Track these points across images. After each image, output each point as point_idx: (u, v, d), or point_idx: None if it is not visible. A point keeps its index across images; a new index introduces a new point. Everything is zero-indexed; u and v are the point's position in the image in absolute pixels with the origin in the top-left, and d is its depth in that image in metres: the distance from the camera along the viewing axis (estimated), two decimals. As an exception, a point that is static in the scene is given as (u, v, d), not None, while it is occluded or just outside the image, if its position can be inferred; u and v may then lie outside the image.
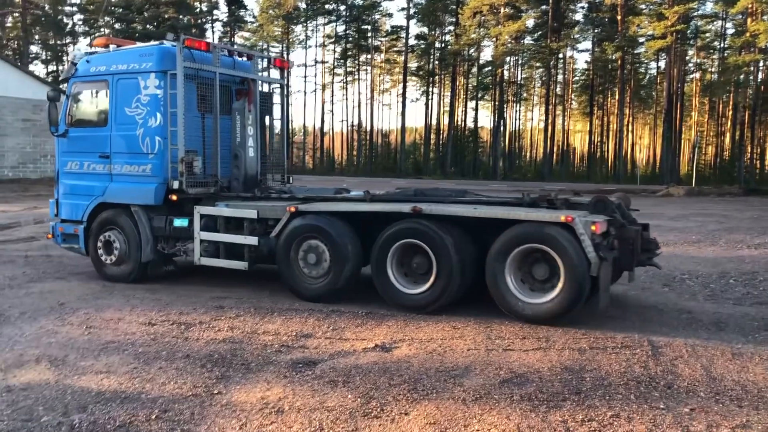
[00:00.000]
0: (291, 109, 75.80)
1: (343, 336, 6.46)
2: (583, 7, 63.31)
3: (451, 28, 67.09)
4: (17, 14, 65.15)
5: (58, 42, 74.51)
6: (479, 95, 71.00)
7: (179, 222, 8.80)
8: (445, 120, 70.29)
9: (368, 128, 72.74)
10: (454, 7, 64.31)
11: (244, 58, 9.97)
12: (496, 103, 64.30)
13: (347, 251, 7.66)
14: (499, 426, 4.32)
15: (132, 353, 5.87)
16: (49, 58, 75.02)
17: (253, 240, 8.21)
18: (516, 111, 76.82)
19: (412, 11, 66.92)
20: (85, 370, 5.41)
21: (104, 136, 9.19)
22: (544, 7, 59.93)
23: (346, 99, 79.70)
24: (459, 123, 70.70)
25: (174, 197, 8.72)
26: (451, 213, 7.25)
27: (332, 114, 79.17)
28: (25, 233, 14.06)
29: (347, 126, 77.83)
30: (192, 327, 6.74)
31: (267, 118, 10.28)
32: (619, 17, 53.16)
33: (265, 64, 11.01)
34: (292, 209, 7.96)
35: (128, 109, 8.94)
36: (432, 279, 7.21)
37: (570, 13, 63.42)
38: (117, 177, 9.14)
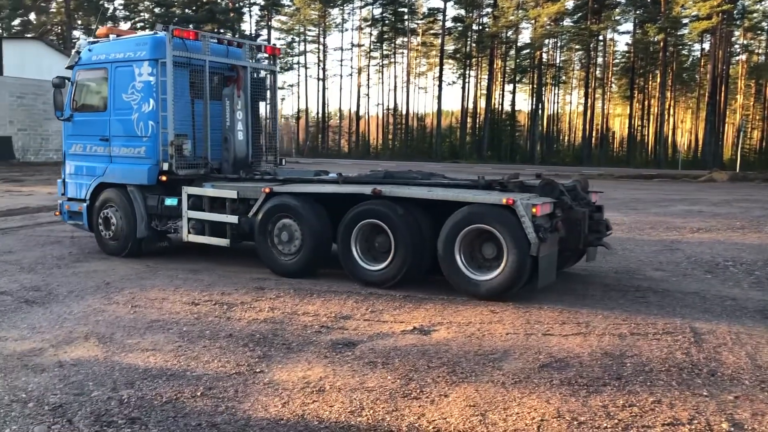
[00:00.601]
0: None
1: (382, 318, 6.52)
2: (624, -12, 61.92)
3: (489, 10, 66.28)
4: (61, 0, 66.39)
5: (99, 26, 75.67)
6: (517, 78, 70.17)
7: (170, 201, 9.35)
8: (482, 103, 69.71)
9: (404, 112, 72.55)
10: (493, -12, 63.49)
11: (237, 46, 10.31)
12: (534, 86, 63.55)
13: (316, 230, 8.14)
14: (538, 409, 4.33)
15: (177, 332, 6.01)
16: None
17: (234, 219, 8.74)
18: (554, 94, 75.81)
19: (449, -7, 66.25)
20: (131, 348, 5.57)
21: (104, 121, 9.77)
22: (584, -13, 58.80)
23: (382, 82, 79.45)
24: (496, 106, 70.06)
25: (164, 178, 9.25)
26: (408, 195, 7.66)
27: (368, 98, 79.03)
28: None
29: (383, 110, 77.84)
30: (234, 307, 6.87)
31: (262, 104, 10.75)
32: (662, -2, 51.90)
33: (264, 52, 11.38)
34: (267, 190, 8.45)
35: (125, 95, 9.48)
36: (390, 257, 7.66)
37: (611, -6, 62.04)
38: (115, 158, 9.72)
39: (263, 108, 10.91)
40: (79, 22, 73.28)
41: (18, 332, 6.00)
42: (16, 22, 70.90)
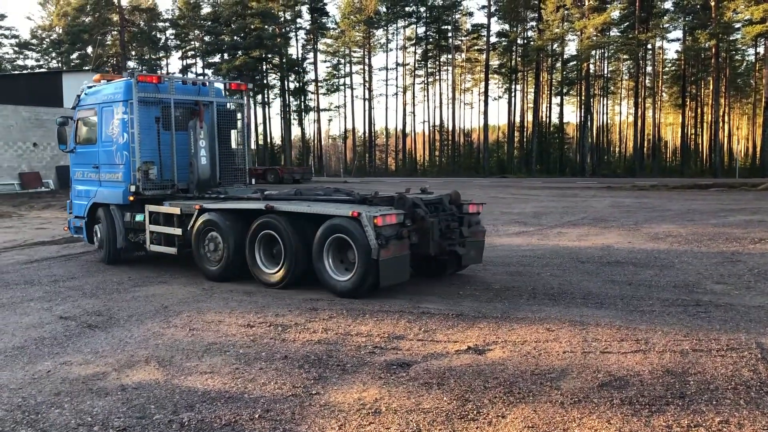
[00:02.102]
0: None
1: (435, 338, 6.48)
2: (673, -5, 60.78)
3: (534, 23, 65.93)
4: (116, 32, 68.94)
5: (152, 56, 78.23)
6: (564, 90, 69.38)
7: (139, 217, 11.01)
8: (529, 117, 69.21)
9: (450, 128, 72.52)
10: (537, 2, 63.16)
11: (203, 85, 11.86)
12: (582, 97, 62.68)
13: (232, 241, 9.44)
14: (599, 430, 4.23)
15: (233, 354, 6.11)
16: (145, 72, 78.84)
17: (178, 231, 10.29)
18: (603, 105, 74.59)
19: (492, 9, 66.27)
20: (190, 371, 5.68)
21: (95, 152, 11.63)
22: (630, -4, 57.95)
23: (428, 100, 79.66)
24: (543, 119, 69.38)
25: (131, 198, 10.88)
26: (291, 209, 8.87)
27: (413, 115, 79.30)
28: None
29: (429, 126, 77.91)
30: (288, 328, 6.94)
31: (233, 132, 12.24)
32: (712, 3, 50.75)
33: (229, 88, 12.98)
34: (197, 207, 9.93)
35: (108, 130, 11.25)
36: (281, 262, 8.93)
37: (658, 2, 60.98)
38: (103, 183, 11.59)
39: (235, 136, 12.34)
40: (134, 53, 75.96)
41: (82, 356, 6.19)
42: (74, 55, 73.96)
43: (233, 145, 12.24)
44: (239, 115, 12.26)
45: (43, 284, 9.91)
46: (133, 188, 10.75)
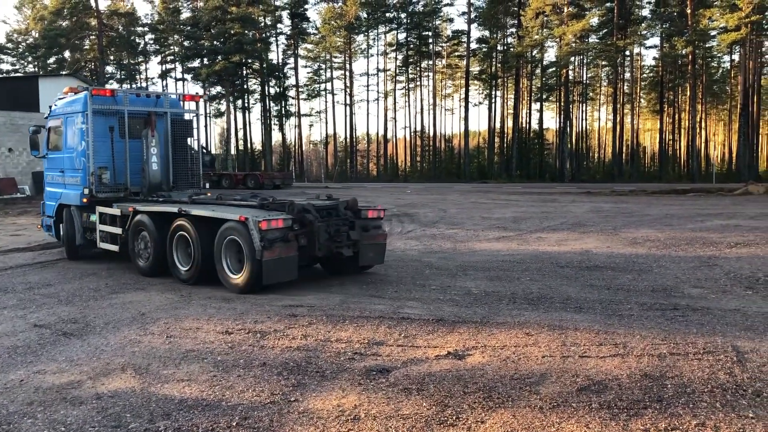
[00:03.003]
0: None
1: (415, 343, 6.47)
2: (650, 2, 61.61)
3: (513, 30, 66.40)
4: (94, 36, 68.30)
5: (131, 61, 77.60)
6: (544, 96, 69.92)
7: (93, 218, 11.96)
8: (509, 122, 69.58)
9: (431, 134, 72.67)
10: (516, 9, 63.64)
11: (156, 97, 12.83)
12: (562, 103, 63.21)
13: (155, 240, 10.38)
14: (578, 435, 4.23)
15: (211, 361, 6.04)
16: (123, 77, 78.22)
17: (118, 230, 11.25)
18: (582, 111, 75.25)
19: (472, 15, 66.60)
20: (167, 378, 5.60)
21: (61, 158, 12.71)
22: (609, 4, 58.62)
23: (409, 105, 79.78)
24: (523, 125, 69.79)
25: (85, 200, 11.92)
26: (198, 213, 9.68)
27: (395, 121, 79.27)
28: (106, 246, 14.67)
29: (410, 132, 78.02)
30: (267, 335, 6.88)
31: (189, 140, 13.15)
32: (688, 10, 51.47)
33: (183, 100, 13.97)
34: (131, 209, 10.87)
35: (70, 138, 12.35)
36: (191, 260, 9.80)
37: (636, 9, 61.75)
38: (67, 185, 12.60)
39: (190, 142, 13.22)
40: (112, 57, 75.27)
41: (56, 365, 6.08)
42: (52, 60, 73.10)
43: (192, 153, 13.25)
44: (194, 124, 13.29)
45: (18, 292, 9.74)
46: (86, 191, 11.87)
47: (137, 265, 10.93)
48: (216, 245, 9.33)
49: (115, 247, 11.50)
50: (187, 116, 13.31)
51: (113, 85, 74.72)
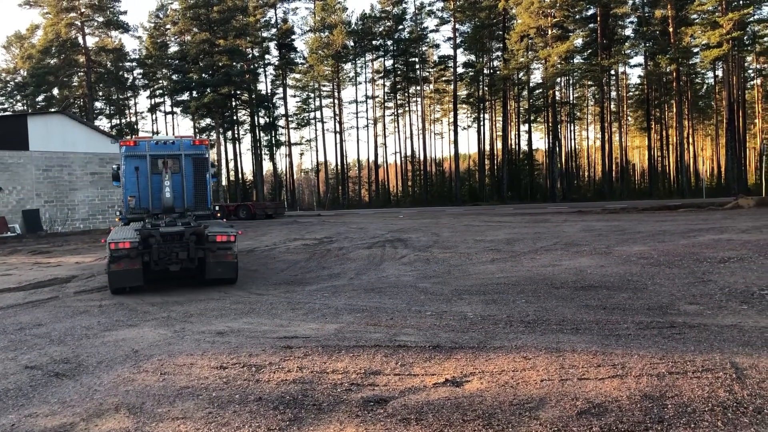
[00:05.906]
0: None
1: (412, 371, 6.40)
2: (632, 22, 62.53)
3: (499, 53, 67.15)
4: (82, 73, 68.52)
5: (120, 96, 77.85)
6: (532, 118, 70.52)
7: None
8: (499, 144, 70.08)
9: (421, 158, 73.02)
10: (501, 32, 64.42)
11: (171, 143, 15.25)
12: (550, 124, 63.74)
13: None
14: (580, 460, 4.17)
15: (206, 398, 5.95)
16: (112, 112, 78.46)
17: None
18: (570, 131, 75.91)
19: (458, 40, 67.37)
20: (162, 417, 5.51)
21: (121, 190, 15.68)
22: (592, 25, 59.42)
23: (398, 131, 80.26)
24: (513, 147, 70.26)
25: (117, 219, 15.54)
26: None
27: (385, 147, 79.70)
28: (98, 283, 14.53)
29: (401, 157, 78.36)
30: (262, 369, 6.80)
31: (207, 175, 15.50)
32: (670, 29, 52.22)
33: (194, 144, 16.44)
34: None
35: (121, 175, 15.31)
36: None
37: (619, 29, 62.64)
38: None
39: (207, 177, 15.59)
40: (100, 93, 75.46)
41: (48, 407, 5.97)
42: (40, 98, 73.22)
43: (205, 184, 15.71)
44: (207, 162, 15.80)
45: (8, 333, 9.61)
46: (119, 212, 15.54)
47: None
48: None
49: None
50: (199, 154, 15.72)
51: (102, 121, 75.04)
